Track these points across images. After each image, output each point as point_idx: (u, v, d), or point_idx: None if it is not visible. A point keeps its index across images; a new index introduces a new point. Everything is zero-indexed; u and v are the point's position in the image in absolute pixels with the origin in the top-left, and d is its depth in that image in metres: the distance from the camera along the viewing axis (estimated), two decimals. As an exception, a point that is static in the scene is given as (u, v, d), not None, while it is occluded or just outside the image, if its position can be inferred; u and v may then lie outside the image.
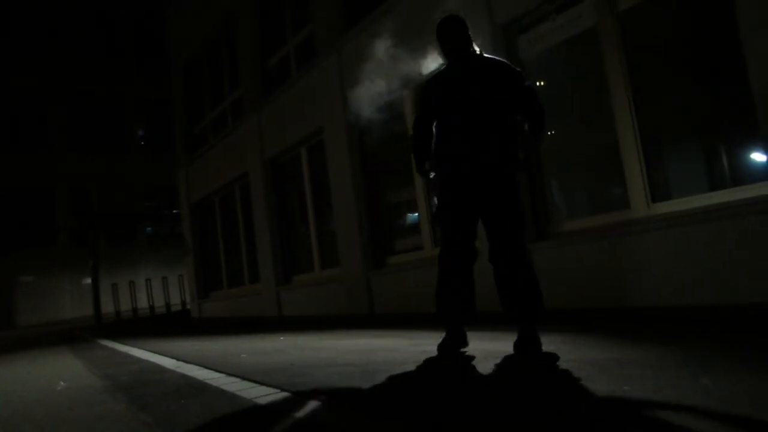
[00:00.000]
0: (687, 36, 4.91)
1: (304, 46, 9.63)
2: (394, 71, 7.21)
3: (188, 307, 16.00)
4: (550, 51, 5.68)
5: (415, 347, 4.02)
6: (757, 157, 4.36)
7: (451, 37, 3.50)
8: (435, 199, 3.73)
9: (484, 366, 3.03)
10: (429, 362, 3.36)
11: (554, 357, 3.05)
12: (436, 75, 3.65)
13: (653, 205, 4.80)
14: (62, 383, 4.07)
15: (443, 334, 3.57)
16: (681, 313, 4.33)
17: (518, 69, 3.48)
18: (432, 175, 3.65)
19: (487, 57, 3.53)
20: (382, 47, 7.34)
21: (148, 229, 27.46)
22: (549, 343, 3.35)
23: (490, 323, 4.19)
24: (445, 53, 3.56)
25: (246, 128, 11.27)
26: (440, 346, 3.48)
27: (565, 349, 3.25)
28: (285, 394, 2.79)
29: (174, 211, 22.55)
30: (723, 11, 4.26)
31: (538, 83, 5.91)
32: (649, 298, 4.61)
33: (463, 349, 3.50)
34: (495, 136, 3.33)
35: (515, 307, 3.33)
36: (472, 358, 3.30)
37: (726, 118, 4.70)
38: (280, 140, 10.18)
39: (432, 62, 6.54)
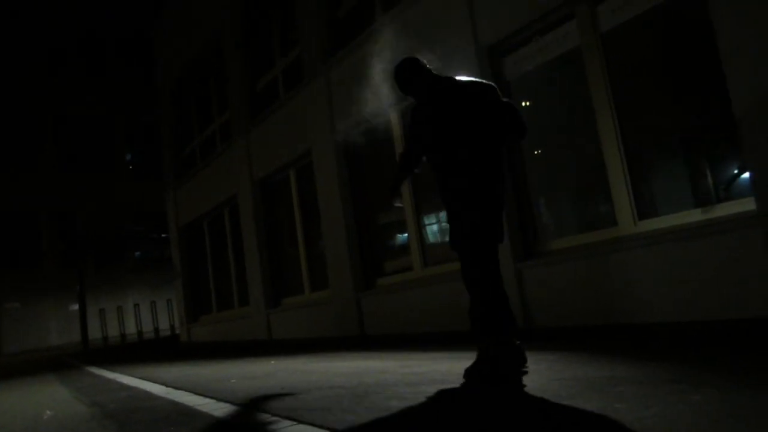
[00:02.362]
0: (669, 55, 5.00)
1: (292, 69, 9.70)
2: (380, 94, 7.28)
3: (177, 331, 15.85)
4: (535, 71, 5.76)
5: (405, 369, 4.00)
6: (741, 173, 4.42)
7: (406, 87, 3.57)
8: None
9: (478, 387, 3.02)
10: (409, 385, 3.34)
11: (553, 378, 3.02)
12: (413, 108, 3.71)
13: (640, 223, 4.84)
14: (49, 412, 4.01)
15: (435, 356, 3.53)
16: (670, 330, 4.35)
17: (492, 86, 3.46)
18: (398, 204, 3.95)
19: (460, 82, 3.49)
20: (369, 70, 7.41)
21: (137, 253, 27.27)
22: (541, 361, 3.35)
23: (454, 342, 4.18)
24: (415, 93, 3.61)
25: (234, 150, 11.29)
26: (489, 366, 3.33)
27: (557, 367, 3.26)
28: (275, 418, 2.77)
29: (163, 235, 22.42)
30: (702, 31, 4.35)
31: (523, 103, 5.99)
32: (638, 315, 4.63)
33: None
34: (463, 162, 3.35)
35: (475, 326, 3.33)
36: (462, 379, 3.29)
37: (709, 136, 4.77)
38: (269, 162, 10.20)
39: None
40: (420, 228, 7.18)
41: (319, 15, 8.68)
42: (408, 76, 3.54)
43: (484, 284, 3.28)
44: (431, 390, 3.10)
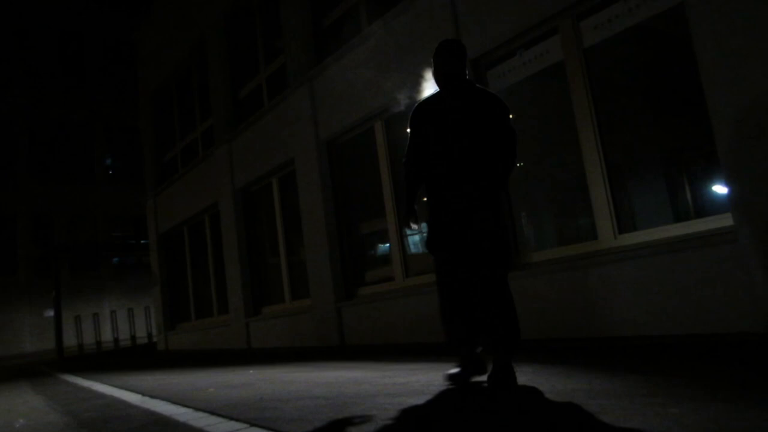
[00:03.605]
0: (650, 72, 5.08)
1: (277, 76, 9.69)
2: (364, 102, 7.30)
3: (155, 339, 15.65)
4: (518, 85, 5.82)
5: (385, 379, 3.98)
6: (719, 189, 4.49)
7: (451, 61, 3.43)
8: (426, 227, 3.63)
9: (458, 398, 3.02)
10: (391, 395, 3.33)
11: (533, 390, 3.02)
12: (428, 100, 3.57)
13: (620, 236, 4.89)
14: (21, 420, 3.92)
15: (416, 366, 3.50)
16: (649, 343, 4.39)
17: (506, 107, 3.43)
18: (414, 226, 3.61)
19: (479, 88, 3.49)
20: (352, 79, 7.42)
21: (115, 259, 26.91)
22: (521, 374, 3.36)
23: (438, 352, 4.18)
24: (441, 76, 3.48)
25: (217, 158, 11.22)
26: (453, 377, 3.37)
27: (536, 380, 3.26)
28: (254, 428, 2.74)
29: (142, 241, 22.18)
30: (682, 48, 4.43)
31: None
32: (617, 327, 4.67)
33: (479, 378, 3.36)
34: (481, 166, 3.30)
35: (490, 335, 3.26)
36: (447, 389, 3.28)
37: (689, 152, 4.85)
38: (251, 170, 10.15)
39: (400, 94, 6.66)
40: (402, 238, 7.19)
41: (305, 23, 8.69)
42: (463, 56, 3.46)
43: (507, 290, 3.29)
44: (411, 401, 3.08)
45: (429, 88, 3.64)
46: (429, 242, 3.51)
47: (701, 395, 2.52)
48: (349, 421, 2.73)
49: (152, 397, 4.33)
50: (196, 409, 3.49)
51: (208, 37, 11.62)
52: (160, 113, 14.55)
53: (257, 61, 10.28)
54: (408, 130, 3.64)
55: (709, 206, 4.62)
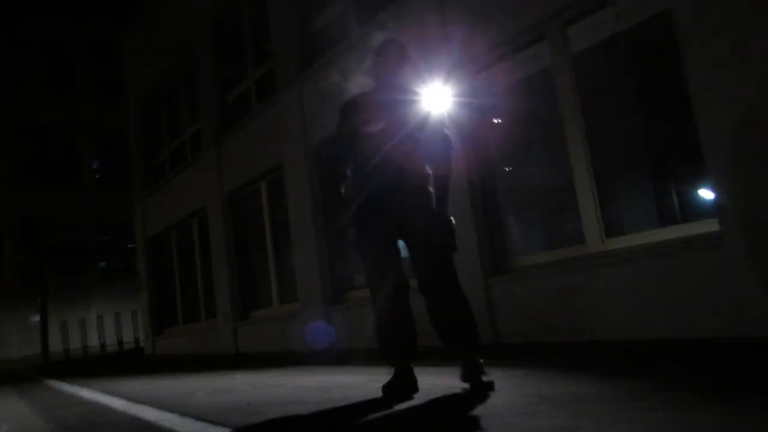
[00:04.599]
0: (637, 77, 5.11)
1: (266, 80, 9.67)
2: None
3: (142, 344, 15.54)
4: (506, 89, 5.83)
5: (374, 383, 3.97)
6: (705, 194, 4.53)
7: (402, 65, 3.35)
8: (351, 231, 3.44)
9: (439, 402, 3.01)
10: (382, 401, 3.32)
11: (520, 395, 3.00)
12: (364, 97, 3.45)
13: (607, 241, 4.92)
14: (5, 426, 3.88)
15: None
16: (636, 347, 4.41)
17: (444, 114, 3.39)
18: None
19: (419, 94, 3.38)
20: (342, 84, 7.42)
21: (102, 263, 26.68)
22: (509, 378, 3.36)
23: (428, 356, 4.17)
24: (389, 76, 3.37)
25: (205, 162, 11.18)
26: (387, 388, 3.27)
27: (524, 384, 3.27)
28: (241, 434, 2.73)
29: (129, 245, 22.02)
30: (670, 54, 4.46)
31: (495, 120, 6.06)
32: (604, 332, 4.69)
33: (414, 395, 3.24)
34: (418, 165, 3.27)
35: (455, 340, 3.20)
36: (426, 393, 3.28)
37: (675, 157, 4.89)
38: (240, 174, 10.12)
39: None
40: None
41: (294, 28, 8.69)
42: (399, 58, 3.35)
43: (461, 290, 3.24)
44: (398, 405, 3.08)
45: (419, 90, 3.58)
46: (360, 245, 3.38)
47: (687, 400, 2.54)
48: (338, 426, 2.72)
49: (138, 402, 4.29)
50: (183, 414, 3.46)
51: (197, 41, 11.58)
52: (148, 117, 14.48)
53: (246, 64, 10.26)
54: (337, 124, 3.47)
55: (695, 211, 4.65)
